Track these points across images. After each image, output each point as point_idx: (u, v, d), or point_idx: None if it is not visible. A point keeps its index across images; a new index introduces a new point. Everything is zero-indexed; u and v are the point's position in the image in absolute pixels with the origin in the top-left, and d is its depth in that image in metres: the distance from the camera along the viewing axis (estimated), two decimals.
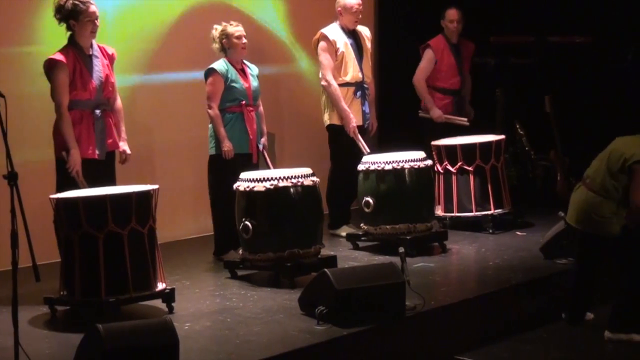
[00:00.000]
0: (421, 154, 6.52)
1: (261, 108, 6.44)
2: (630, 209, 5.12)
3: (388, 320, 4.86)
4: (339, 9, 6.88)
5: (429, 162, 6.56)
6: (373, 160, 6.46)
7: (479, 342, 5.26)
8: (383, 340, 4.83)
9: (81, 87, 5.50)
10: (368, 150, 6.79)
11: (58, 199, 5.04)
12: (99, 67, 5.59)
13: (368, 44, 7.04)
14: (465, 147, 7.03)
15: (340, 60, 6.83)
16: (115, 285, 4.92)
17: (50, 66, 5.50)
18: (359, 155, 6.76)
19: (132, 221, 4.96)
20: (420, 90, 7.65)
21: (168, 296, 5.11)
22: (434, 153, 7.10)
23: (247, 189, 5.68)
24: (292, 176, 5.68)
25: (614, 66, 8.06)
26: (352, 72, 6.87)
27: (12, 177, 4.21)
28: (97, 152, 5.56)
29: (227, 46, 6.24)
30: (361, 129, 6.93)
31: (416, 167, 6.40)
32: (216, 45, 6.28)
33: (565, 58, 8.10)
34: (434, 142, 7.17)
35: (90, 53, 5.59)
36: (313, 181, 5.77)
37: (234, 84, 6.19)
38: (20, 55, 6.37)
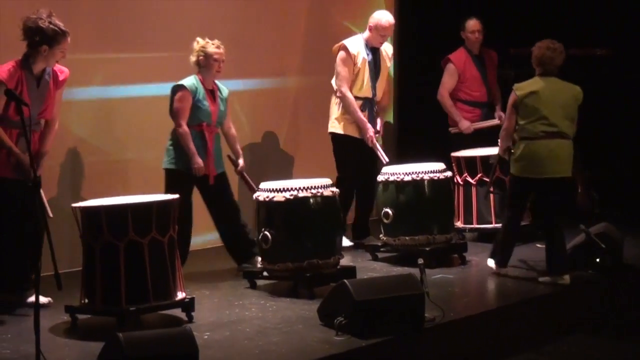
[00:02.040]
0: (441, 166, 6.52)
1: (233, 130, 6.36)
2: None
3: (407, 332, 4.85)
4: (371, 24, 6.86)
5: (449, 173, 6.56)
6: (392, 171, 6.47)
7: (498, 354, 5.24)
8: (402, 351, 4.82)
9: (15, 109, 5.06)
10: (387, 160, 6.78)
11: (80, 208, 5.07)
12: (42, 93, 5.35)
13: (388, 63, 7.04)
14: (485, 159, 7.02)
15: (354, 75, 6.82)
16: (135, 294, 4.94)
17: None
18: (366, 164, 6.75)
19: (152, 230, 4.98)
20: (445, 105, 7.61)
21: (188, 305, 5.13)
22: (453, 165, 7.10)
23: (267, 199, 5.69)
24: (311, 186, 5.69)
25: (634, 78, 8.05)
26: (364, 89, 6.86)
27: (35, 185, 4.24)
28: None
29: (203, 64, 6.14)
30: (364, 142, 6.86)
31: (436, 178, 6.40)
32: (193, 58, 6.18)
33: (584, 70, 8.08)
34: (453, 154, 7.17)
35: (39, 76, 5.34)
36: (332, 192, 5.78)
37: (200, 104, 6.10)
38: None
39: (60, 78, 5.48)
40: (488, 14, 7.78)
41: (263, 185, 5.82)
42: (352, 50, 6.82)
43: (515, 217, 6.06)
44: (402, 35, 8.62)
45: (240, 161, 6.33)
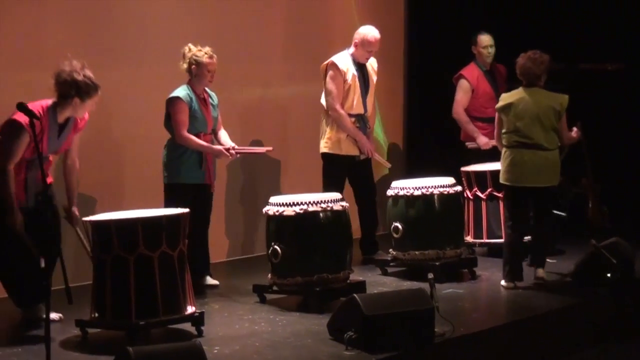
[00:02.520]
0: (450, 180, 6.51)
1: (222, 130, 6.34)
2: None
3: (417, 347, 4.84)
4: (357, 40, 6.78)
5: (459, 188, 6.55)
6: (402, 186, 6.46)
7: None
8: None
9: (31, 152, 5.19)
10: (389, 164, 6.76)
11: (91, 222, 5.08)
12: (61, 141, 5.38)
13: (374, 77, 6.97)
14: (495, 174, 6.99)
15: (345, 92, 6.76)
16: (145, 308, 4.94)
17: (14, 127, 5.14)
18: (363, 180, 6.76)
19: (162, 244, 4.99)
20: (461, 122, 7.56)
21: (197, 320, 5.13)
22: (463, 179, 7.09)
23: (277, 213, 5.70)
24: (321, 201, 5.70)
25: None
26: (356, 105, 6.81)
27: (47, 199, 4.27)
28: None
29: (195, 73, 6.12)
30: (357, 159, 6.85)
31: (445, 192, 6.40)
32: (184, 65, 6.15)
33: (596, 85, 8.07)
34: (463, 168, 7.16)
35: (63, 124, 5.37)
36: (342, 206, 5.78)
37: (196, 114, 6.11)
38: None
39: (80, 124, 5.51)
40: (496, 28, 7.77)
41: (273, 199, 5.83)
42: (342, 66, 6.74)
43: (513, 228, 6.07)
44: (411, 50, 8.65)
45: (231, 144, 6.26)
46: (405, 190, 6.41)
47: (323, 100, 6.86)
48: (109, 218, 5.11)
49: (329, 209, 5.70)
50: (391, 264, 6.58)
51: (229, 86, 6.96)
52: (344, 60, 6.79)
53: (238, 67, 7.18)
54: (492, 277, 6.45)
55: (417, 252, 6.38)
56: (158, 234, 4.99)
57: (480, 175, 7.06)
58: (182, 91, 6.13)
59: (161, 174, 6.23)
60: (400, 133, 8.73)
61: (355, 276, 6.05)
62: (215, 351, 4.82)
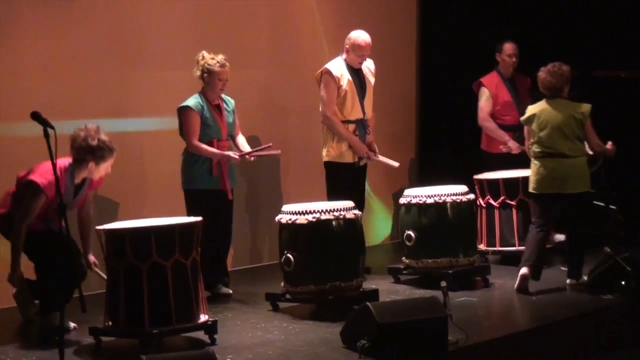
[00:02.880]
0: (463, 188, 6.51)
1: (240, 136, 6.37)
2: None
3: (430, 355, 4.83)
4: (348, 46, 6.74)
5: (471, 196, 6.54)
6: (415, 194, 6.46)
7: None
8: None
9: (44, 215, 5.37)
10: (397, 163, 6.75)
11: (104, 230, 5.10)
12: (78, 197, 5.46)
13: (371, 78, 6.91)
14: (508, 181, 7.01)
15: (342, 98, 6.72)
16: (158, 316, 4.96)
17: (34, 189, 5.27)
18: (357, 185, 6.74)
19: (175, 253, 5.01)
20: (489, 129, 7.54)
21: (210, 328, 5.14)
22: (476, 187, 7.08)
23: (290, 222, 5.71)
24: (334, 209, 5.70)
25: None
26: (353, 110, 6.77)
27: (61, 208, 4.29)
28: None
29: (207, 81, 6.16)
30: (356, 165, 6.81)
31: (458, 201, 6.39)
32: (197, 73, 6.18)
33: (609, 92, 8.05)
34: (476, 176, 7.16)
35: (79, 185, 5.47)
36: (355, 214, 5.78)
37: (208, 122, 6.14)
38: None
39: (96, 183, 5.60)
40: (510, 36, 7.77)
41: (285, 207, 5.83)
42: (336, 72, 6.70)
43: (537, 228, 6.19)
44: (424, 56, 8.65)
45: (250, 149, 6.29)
46: (417, 199, 6.41)
47: (321, 108, 6.83)
48: (122, 227, 5.13)
49: (341, 217, 5.70)
50: (404, 272, 6.57)
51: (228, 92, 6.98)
52: (338, 66, 6.76)
53: (239, 72, 7.21)
54: (506, 285, 6.43)
55: (430, 260, 6.37)
56: (171, 242, 5.00)
57: (493, 183, 7.05)
58: (192, 100, 6.16)
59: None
60: (413, 141, 8.73)
61: (368, 284, 6.04)
62: (229, 359, 4.83)
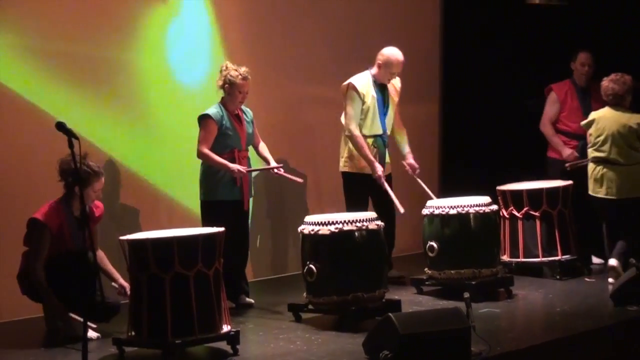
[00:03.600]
0: (486, 199, 6.49)
1: (261, 144, 6.41)
2: None
3: None
4: (380, 62, 6.76)
5: (495, 207, 6.52)
6: (437, 205, 6.44)
7: None
8: None
9: (54, 247, 5.47)
10: (402, 210, 6.54)
11: (128, 240, 5.13)
12: (80, 235, 5.47)
13: (396, 97, 6.93)
14: (532, 192, 6.97)
15: (364, 113, 6.74)
16: (181, 326, 4.97)
17: (35, 226, 5.45)
18: (381, 198, 6.67)
19: (198, 263, 5.02)
20: (547, 134, 7.56)
21: (233, 338, 5.14)
22: (499, 198, 7.05)
23: (312, 232, 5.71)
24: (356, 220, 5.70)
25: None
26: (374, 127, 6.77)
27: (85, 219, 4.33)
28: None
29: (228, 92, 6.20)
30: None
31: (481, 212, 6.37)
32: (219, 82, 6.22)
33: None
34: (499, 187, 7.13)
35: (77, 215, 5.51)
36: (377, 225, 5.78)
37: (227, 131, 6.16)
38: None
39: (97, 214, 5.70)
40: (539, 46, 7.73)
41: (308, 218, 5.84)
42: (361, 89, 6.72)
43: (607, 229, 6.67)
44: (446, 63, 8.63)
45: (274, 164, 6.32)
46: (440, 209, 6.39)
47: (343, 119, 6.85)
48: (145, 237, 5.15)
49: (364, 228, 5.69)
50: (427, 282, 6.55)
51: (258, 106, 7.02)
52: (363, 81, 6.77)
53: (265, 88, 7.25)
54: (529, 296, 6.40)
55: (452, 271, 6.35)
56: (194, 252, 5.01)
57: (516, 194, 7.01)
58: (213, 109, 6.20)
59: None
60: (436, 151, 8.72)
61: (391, 295, 6.03)
62: None
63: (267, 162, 6.40)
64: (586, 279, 6.85)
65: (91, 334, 5.45)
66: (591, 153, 6.67)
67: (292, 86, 7.66)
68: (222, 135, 6.16)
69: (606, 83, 6.63)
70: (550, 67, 8.08)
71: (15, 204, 6.14)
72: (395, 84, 6.94)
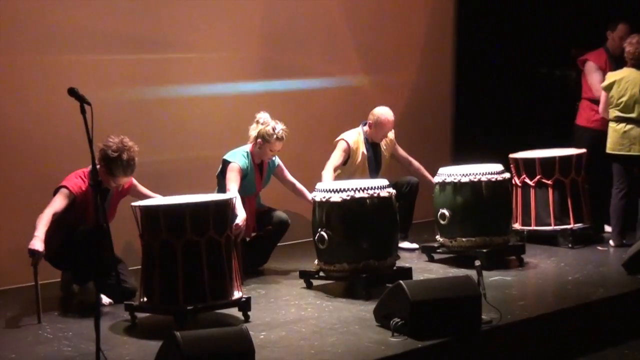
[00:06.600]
0: (498, 167, 6.46)
1: (298, 185, 6.45)
2: None
3: (463, 334, 4.82)
4: (371, 121, 6.81)
5: (507, 174, 6.50)
6: (449, 173, 6.43)
7: (556, 357, 5.17)
8: (458, 353, 4.79)
9: (74, 218, 5.47)
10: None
11: (139, 207, 5.14)
12: (107, 205, 5.55)
13: (386, 154, 6.96)
14: (544, 161, 6.94)
15: (353, 169, 6.78)
16: (192, 293, 4.98)
17: (59, 190, 5.47)
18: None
19: (209, 230, 5.03)
20: (602, 99, 7.20)
21: (244, 305, 5.16)
22: (511, 166, 7.03)
23: (324, 200, 5.70)
24: (368, 187, 5.69)
25: None
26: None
27: (97, 185, 4.32)
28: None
29: (258, 147, 6.22)
30: None
31: (493, 179, 6.35)
32: (252, 133, 6.23)
33: None
34: (511, 155, 7.10)
35: (106, 190, 5.57)
36: (389, 192, 5.77)
37: (245, 183, 6.17)
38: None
39: (124, 189, 5.73)
40: (552, 14, 7.65)
41: (319, 185, 5.84)
42: (352, 145, 6.79)
43: (617, 197, 6.77)
44: (462, 32, 8.56)
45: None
46: (452, 177, 6.38)
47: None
48: (157, 203, 5.16)
49: (375, 195, 5.68)
50: (438, 250, 6.55)
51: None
52: (355, 138, 6.83)
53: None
54: (540, 264, 6.40)
55: (464, 239, 6.34)
56: (205, 219, 5.02)
57: (529, 162, 6.99)
58: (242, 160, 6.19)
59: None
60: (449, 119, 8.68)
61: (402, 263, 6.03)
62: (262, 336, 4.86)
63: (303, 196, 6.41)
64: (599, 247, 6.84)
65: (104, 299, 5.49)
66: (612, 112, 6.72)
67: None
68: (241, 182, 6.14)
69: (629, 46, 6.74)
70: (567, 34, 8.01)
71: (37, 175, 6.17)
72: (388, 136, 6.96)
